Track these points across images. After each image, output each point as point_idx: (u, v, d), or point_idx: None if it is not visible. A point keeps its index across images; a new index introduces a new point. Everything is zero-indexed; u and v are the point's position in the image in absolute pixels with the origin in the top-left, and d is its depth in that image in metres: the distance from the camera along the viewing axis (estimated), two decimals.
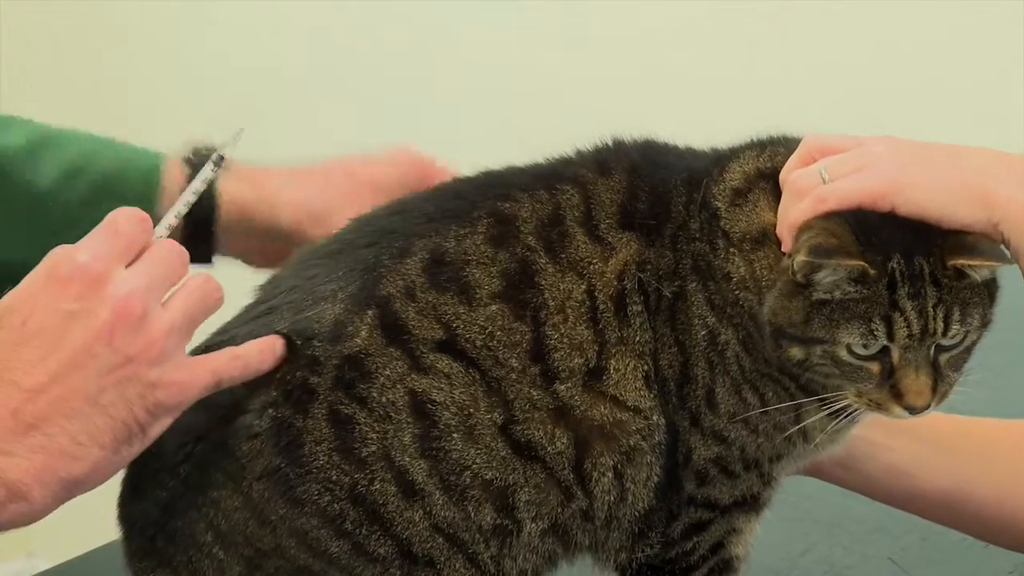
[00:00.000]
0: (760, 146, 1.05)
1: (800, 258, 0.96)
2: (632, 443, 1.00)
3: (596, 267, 1.01)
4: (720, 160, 1.05)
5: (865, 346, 0.97)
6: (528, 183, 1.04)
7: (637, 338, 1.00)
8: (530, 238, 1.01)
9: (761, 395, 1.02)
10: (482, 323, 0.99)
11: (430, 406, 0.97)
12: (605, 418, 1.00)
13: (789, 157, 1.02)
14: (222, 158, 1.00)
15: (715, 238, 1.01)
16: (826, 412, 1.01)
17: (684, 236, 1.02)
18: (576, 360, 0.99)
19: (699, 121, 1.12)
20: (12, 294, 0.92)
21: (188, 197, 0.99)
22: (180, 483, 0.98)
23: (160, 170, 1.26)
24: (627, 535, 1.03)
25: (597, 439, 1.00)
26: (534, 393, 0.99)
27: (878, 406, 0.99)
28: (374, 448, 0.97)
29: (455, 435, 0.97)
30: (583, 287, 1.00)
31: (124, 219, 0.94)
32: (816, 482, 1.17)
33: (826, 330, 0.97)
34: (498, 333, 0.99)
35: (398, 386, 0.97)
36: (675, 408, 1.02)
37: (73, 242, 1.14)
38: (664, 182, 1.03)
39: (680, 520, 1.04)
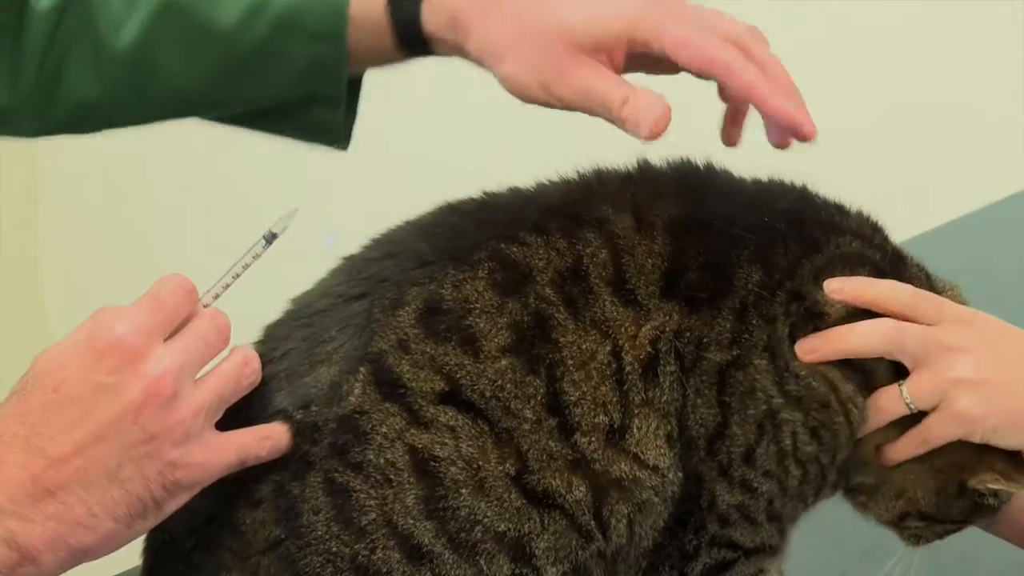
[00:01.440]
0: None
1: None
2: (645, 497, 0.98)
3: (626, 330, 0.98)
4: (809, 249, 1.03)
5: None
6: (539, 221, 1.00)
7: (664, 398, 0.98)
8: (547, 290, 0.97)
9: (805, 472, 1.03)
10: (491, 375, 0.95)
11: (433, 463, 0.94)
12: (624, 474, 0.97)
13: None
14: (274, 235, 1.00)
15: None
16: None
17: (757, 314, 1.00)
18: (600, 417, 0.97)
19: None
20: (49, 355, 0.92)
21: (237, 270, 0.99)
22: (193, 571, 0.97)
23: (347, 2, 1.17)
24: (634, 569, 1.01)
25: (614, 490, 0.98)
26: (552, 444, 0.96)
27: (928, 541, 1.13)
28: (373, 516, 0.94)
29: (463, 490, 0.94)
30: (608, 348, 0.97)
31: (169, 291, 0.94)
32: None
33: (979, 521, 1.10)
34: (508, 386, 0.96)
35: (397, 444, 0.94)
36: (700, 459, 1.00)
37: (256, 83, 1.18)
38: (722, 255, 1.01)
39: (699, 560, 1.03)
